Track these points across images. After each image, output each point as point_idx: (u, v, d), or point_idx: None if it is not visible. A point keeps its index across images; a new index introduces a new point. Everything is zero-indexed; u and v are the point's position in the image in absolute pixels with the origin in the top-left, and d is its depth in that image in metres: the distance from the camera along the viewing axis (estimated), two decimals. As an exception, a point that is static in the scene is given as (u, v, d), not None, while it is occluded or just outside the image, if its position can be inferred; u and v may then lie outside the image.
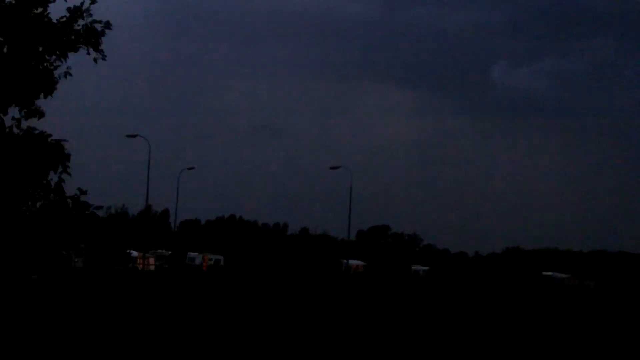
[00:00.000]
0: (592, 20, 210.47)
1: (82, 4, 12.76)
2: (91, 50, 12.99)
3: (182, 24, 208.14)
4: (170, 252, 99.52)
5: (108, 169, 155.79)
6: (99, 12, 13.08)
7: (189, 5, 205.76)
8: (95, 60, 12.98)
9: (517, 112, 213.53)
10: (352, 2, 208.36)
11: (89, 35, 12.78)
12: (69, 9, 12.74)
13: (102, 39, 12.99)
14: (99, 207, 12.77)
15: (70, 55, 13.04)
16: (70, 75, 12.89)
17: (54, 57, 12.91)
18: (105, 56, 13.02)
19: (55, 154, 12.39)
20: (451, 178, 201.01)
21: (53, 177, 12.64)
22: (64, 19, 12.76)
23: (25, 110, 12.74)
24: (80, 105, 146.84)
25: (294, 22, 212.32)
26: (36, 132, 12.70)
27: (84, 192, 12.54)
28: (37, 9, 12.65)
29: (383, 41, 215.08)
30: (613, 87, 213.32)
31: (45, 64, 12.87)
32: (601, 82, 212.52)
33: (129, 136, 73.01)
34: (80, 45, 12.85)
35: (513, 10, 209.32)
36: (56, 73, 12.91)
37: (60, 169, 12.55)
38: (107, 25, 12.89)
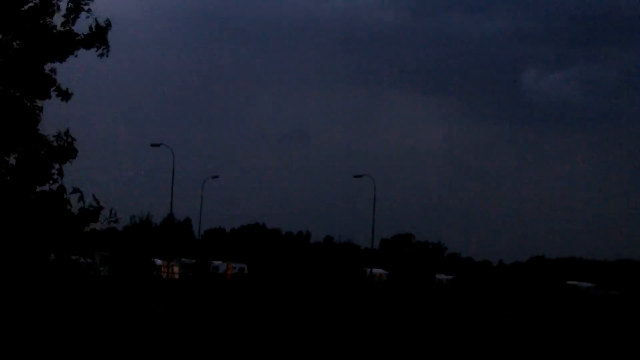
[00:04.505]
0: (622, 26, 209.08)
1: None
2: (92, 49, 13.47)
3: (210, 32, 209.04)
4: (194, 261, 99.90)
5: (132, 177, 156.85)
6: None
7: (217, 13, 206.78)
8: (100, 56, 13.45)
9: (546, 119, 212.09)
10: (381, 9, 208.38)
11: (98, 32, 13.26)
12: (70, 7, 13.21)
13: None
14: (100, 208, 13.06)
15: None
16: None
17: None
18: (109, 51, 13.44)
19: (57, 149, 12.79)
20: (475, 186, 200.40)
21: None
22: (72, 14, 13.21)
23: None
24: (105, 112, 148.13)
25: (323, 30, 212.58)
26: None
27: (80, 191, 12.92)
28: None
29: (412, 49, 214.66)
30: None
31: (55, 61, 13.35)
32: (631, 89, 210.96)
33: (153, 145, 73.54)
34: (93, 43, 13.32)
35: (543, 17, 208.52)
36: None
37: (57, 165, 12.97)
38: (109, 23, 13.44)
